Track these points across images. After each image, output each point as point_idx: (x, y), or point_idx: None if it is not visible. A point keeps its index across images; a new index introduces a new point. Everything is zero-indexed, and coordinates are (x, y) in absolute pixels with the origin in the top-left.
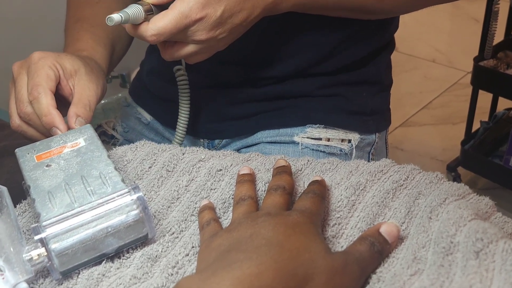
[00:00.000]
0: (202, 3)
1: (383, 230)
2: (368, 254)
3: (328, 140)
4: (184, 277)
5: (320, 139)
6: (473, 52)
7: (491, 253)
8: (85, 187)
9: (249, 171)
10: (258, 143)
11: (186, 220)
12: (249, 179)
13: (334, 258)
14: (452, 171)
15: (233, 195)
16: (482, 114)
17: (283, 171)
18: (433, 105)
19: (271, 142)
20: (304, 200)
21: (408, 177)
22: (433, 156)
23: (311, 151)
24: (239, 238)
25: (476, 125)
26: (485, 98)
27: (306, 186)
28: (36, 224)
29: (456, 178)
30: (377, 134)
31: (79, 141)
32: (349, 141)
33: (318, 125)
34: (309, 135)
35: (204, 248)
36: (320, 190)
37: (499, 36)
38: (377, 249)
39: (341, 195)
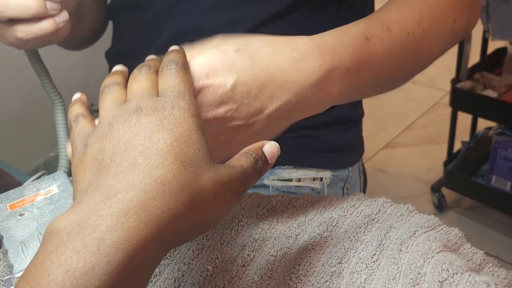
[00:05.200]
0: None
1: (266, 148)
2: (251, 171)
3: (299, 180)
4: (58, 217)
5: (290, 180)
6: (453, 72)
7: (455, 283)
8: None
9: (123, 68)
10: None
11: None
12: (120, 72)
13: (218, 172)
14: (436, 192)
15: None
16: (463, 133)
17: (150, 59)
18: (415, 126)
19: None
20: (168, 77)
21: (379, 211)
22: (417, 177)
23: (282, 193)
24: (113, 150)
25: (457, 145)
26: (466, 116)
27: (279, 224)
28: (9, 276)
29: (441, 199)
30: (349, 168)
31: (52, 188)
32: (321, 179)
33: (287, 166)
34: (278, 177)
35: (77, 164)
36: (181, 59)
37: (475, 57)
38: (259, 167)
39: (314, 231)
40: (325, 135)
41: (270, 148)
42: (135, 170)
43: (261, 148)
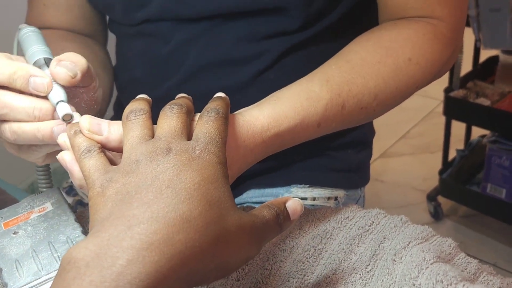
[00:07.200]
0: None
1: (289, 204)
2: (272, 224)
3: (314, 199)
4: (76, 245)
5: (305, 198)
6: (445, 81)
7: None
8: (52, 253)
9: (147, 97)
10: (244, 203)
11: None
12: (145, 100)
13: (242, 217)
14: (432, 200)
15: None
16: (458, 141)
17: (181, 96)
18: (410, 135)
19: (257, 203)
20: (206, 123)
21: (373, 222)
22: (413, 186)
23: None
24: (138, 184)
25: (452, 153)
26: (460, 125)
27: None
28: None
29: (437, 207)
30: (361, 188)
31: (46, 205)
32: (336, 198)
33: (303, 184)
34: (293, 195)
35: (97, 196)
36: (223, 108)
37: (468, 66)
38: (280, 221)
39: (308, 244)
40: (341, 155)
41: (293, 204)
42: (161, 203)
43: (284, 203)
